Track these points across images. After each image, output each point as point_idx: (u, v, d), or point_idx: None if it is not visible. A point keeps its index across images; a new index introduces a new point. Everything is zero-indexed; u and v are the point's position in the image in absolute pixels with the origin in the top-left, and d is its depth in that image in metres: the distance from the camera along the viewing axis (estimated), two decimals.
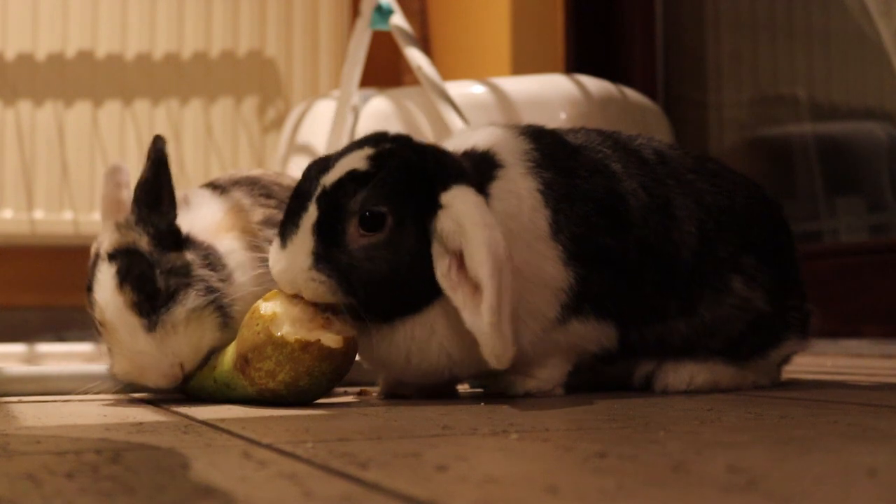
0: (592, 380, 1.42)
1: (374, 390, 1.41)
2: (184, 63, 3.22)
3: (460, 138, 1.36)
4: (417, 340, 1.24)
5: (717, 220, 1.41)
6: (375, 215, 1.21)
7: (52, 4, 3.13)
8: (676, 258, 1.37)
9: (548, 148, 1.35)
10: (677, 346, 1.39)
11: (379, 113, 2.32)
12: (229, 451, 0.83)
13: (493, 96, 2.21)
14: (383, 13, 2.28)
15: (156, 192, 1.35)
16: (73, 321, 3.16)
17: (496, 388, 1.33)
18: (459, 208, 1.21)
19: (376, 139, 1.28)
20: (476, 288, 1.18)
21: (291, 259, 1.22)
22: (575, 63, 3.24)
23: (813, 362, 2.06)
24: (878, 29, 2.33)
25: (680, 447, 0.82)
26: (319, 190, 1.23)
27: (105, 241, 1.34)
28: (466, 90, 2.22)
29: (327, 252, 1.21)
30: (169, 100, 3.20)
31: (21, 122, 3.10)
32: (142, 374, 1.30)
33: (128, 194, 1.40)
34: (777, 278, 1.44)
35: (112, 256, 1.31)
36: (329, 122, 2.40)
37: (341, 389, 1.44)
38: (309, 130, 2.55)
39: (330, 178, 1.23)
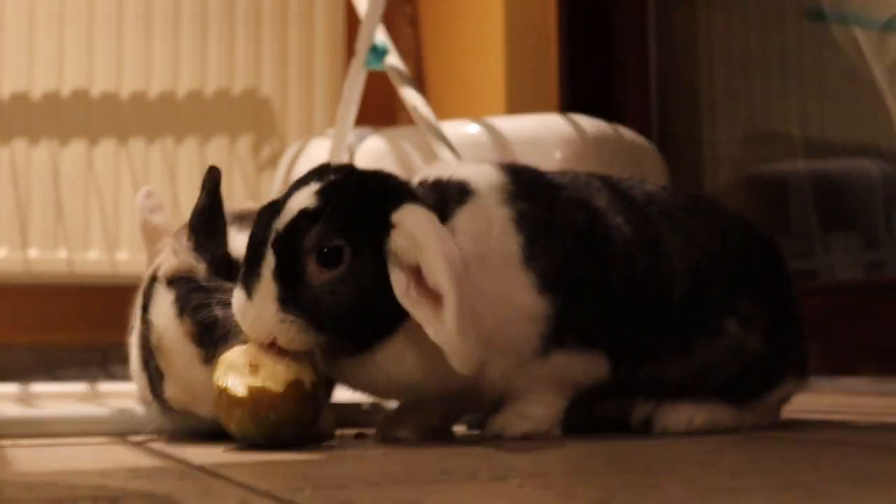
0: (589, 419, 1.41)
1: (372, 432, 1.40)
2: (179, 102, 3.22)
3: (433, 169, 1.37)
4: (395, 362, 1.23)
5: (711, 259, 1.40)
6: (332, 250, 1.20)
7: (48, 43, 3.13)
8: (667, 297, 1.36)
9: (526, 182, 1.35)
10: (674, 386, 1.39)
11: (374, 152, 2.32)
12: (226, 498, 0.82)
13: (488, 135, 2.21)
14: (378, 53, 2.28)
15: (212, 220, 1.38)
16: (67, 360, 3.15)
17: (492, 429, 1.32)
18: (410, 224, 1.20)
19: (319, 173, 1.27)
20: (437, 300, 1.17)
21: (259, 309, 1.21)
22: (570, 101, 3.24)
23: (811, 400, 2.05)
24: (870, 67, 2.35)
25: (681, 494, 0.81)
26: (273, 235, 1.22)
27: (164, 265, 1.35)
28: (461, 130, 2.22)
29: (291, 294, 1.20)
30: (164, 138, 3.19)
31: (16, 161, 3.09)
32: (195, 402, 1.31)
33: (163, 218, 1.43)
34: (773, 319, 1.43)
35: (171, 282, 1.33)
36: (324, 160, 2.40)
37: (338, 433, 1.43)
38: (304, 169, 2.54)
39: (282, 220, 1.22)
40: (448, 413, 1.36)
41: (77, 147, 3.12)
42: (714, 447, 1.19)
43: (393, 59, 2.28)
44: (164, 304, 1.32)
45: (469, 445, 1.24)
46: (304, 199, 1.23)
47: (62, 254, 3.06)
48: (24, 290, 3.14)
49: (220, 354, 1.28)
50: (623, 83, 3.40)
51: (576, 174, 1.41)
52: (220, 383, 1.22)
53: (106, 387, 2.48)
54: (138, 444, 1.31)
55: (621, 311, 1.33)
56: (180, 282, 1.33)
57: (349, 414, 1.51)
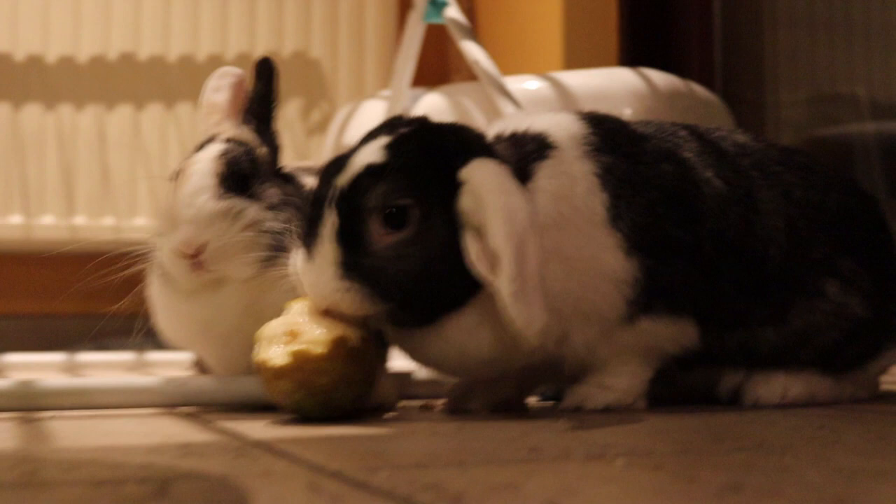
0: (671, 390, 1.30)
1: (438, 403, 1.29)
2: (227, 65, 3.12)
3: (509, 121, 1.24)
4: (466, 337, 1.12)
5: (809, 217, 1.27)
6: (398, 210, 1.10)
7: (95, 6, 3.05)
8: (762, 257, 1.24)
9: (609, 133, 1.23)
10: (766, 355, 1.26)
11: (433, 110, 2.21)
12: (292, 480, 0.71)
13: (554, 91, 2.09)
14: (437, 5, 2.16)
15: (268, 109, 1.38)
16: (114, 329, 3.07)
17: (571, 401, 1.21)
18: (476, 180, 1.09)
19: (391, 125, 1.17)
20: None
21: (318, 272, 1.11)
22: (629, 58, 3.11)
23: None
24: None
25: (822, 477, 0.70)
26: (335, 193, 1.12)
27: (225, 133, 1.34)
28: (525, 85, 2.10)
29: (353, 259, 1.10)
30: None
31: (62, 126, 3.02)
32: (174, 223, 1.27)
33: (225, 98, 1.39)
34: (877, 282, 1.30)
35: (228, 141, 1.32)
36: (377, 123, 2.29)
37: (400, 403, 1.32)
38: (356, 132, 2.44)
39: (344, 177, 1.12)
40: (522, 384, 1.24)
41: (124, 112, 3.05)
42: (823, 421, 1.07)
43: (453, 12, 2.15)
44: (213, 147, 1.31)
45: (548, 419, 1.13)
46: (370, 153, 1.13)
47: (109, 221, 3.00)
48: (70, 258, 3.05)
49: (237, 204, 1.25)
50: (686, 41, 3.25)
51: (660, 124, 1.29)
52: (259, 357, 1.12)
53: (154, 356, 2.40)
54: (188, 416, 1.22)
55: (712, 273, 1.21)
56: (236, 143, 1.32)
57: (412, 383, 1.40)
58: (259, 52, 3.12)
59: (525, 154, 1.17)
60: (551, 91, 2.09)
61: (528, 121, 1.22)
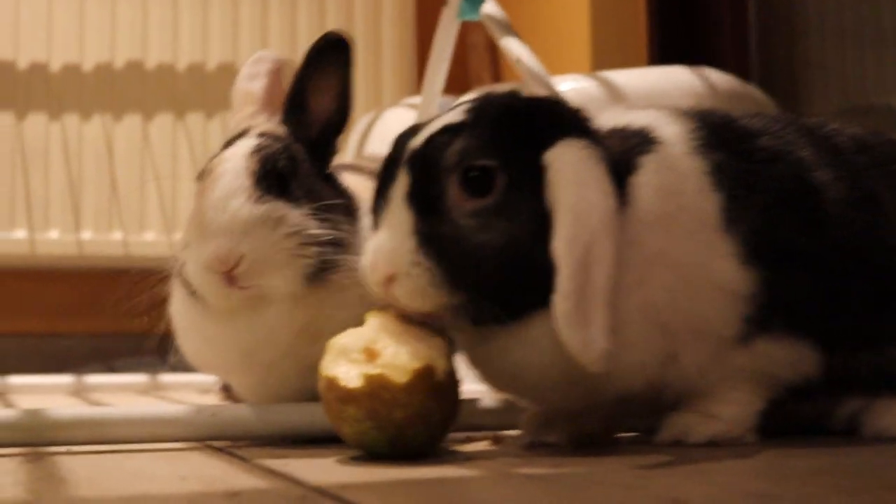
0: (775, 420, 1.13)
1: (509, 436, 1.13)
2: (238, 73, 2.97)
3: (604, 117, 1.08)
4: (556, 342, 0.93)
5: None
6: (481, 171, 0.94)
7: (100, 13, 2.91)
8: (890, 266, 1.08)
9: (718, 128, 1.07)
10: (893, 378, 1.10)
11: None
12: None
13: (605, 91, 1.93)
14: (474, 1, 2.01)
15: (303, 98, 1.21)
16: (124, 349, 2.92)
17: (670, 433, 1.04)
18: (555, 166, 0.94)
19: (477, 96, 1.02)
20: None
21: (386, 240, 0.96)
22: (659, 59, 2.96)
23: None
24: None
25: None
26: (409, 153, 0.97)
27: (258, 127, 1.19)
28: (573, 85, 1.94)
29: (427, 226, 0.95)
30: (223, 111, 2.96)
31: (67, 137, 2.87)
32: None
33: (260, 87, 1.23)
34: None
35: (261, 136, 1.17)
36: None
37: (461, 435, 1.15)
38: (379, 142, 2.29)
39: (419, 138, 0.98)
40: (610, 414, 1.07)
41: (132, 122, 2.90)
42: None
43: (491, 7, 1.99)
44: (244, 143, 1.15)
45: (660, 455, 0.96)
46: (450, 115, 0.98)
47: (117, 235, 2.86)
48: (77, 275, 2.92)
49: (275, 208, 1.10)
50: (719, 48, 3.10)
51: (767, 117, 1.13)
52: (328, 373, 0.96)
53: (167, 378, 2.24)
54: (223, 452, 1.05)
55: (836, 287, 1.04)
56: (272, 137, 1.16)
57: (476, 411, 1.23)
58: None
59: (627, 148, 1.01)
60: (603, 91, 1.93)
61: (628, 116, 1.06)
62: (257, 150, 1.12)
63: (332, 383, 0.95)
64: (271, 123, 1.18)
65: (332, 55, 1.19)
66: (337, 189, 1.18)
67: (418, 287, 0.94)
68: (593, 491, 0.74)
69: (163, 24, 2.95)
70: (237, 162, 1.11)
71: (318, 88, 1.19)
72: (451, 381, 0.98)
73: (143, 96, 2.92)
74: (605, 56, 2.94)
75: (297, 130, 1.18)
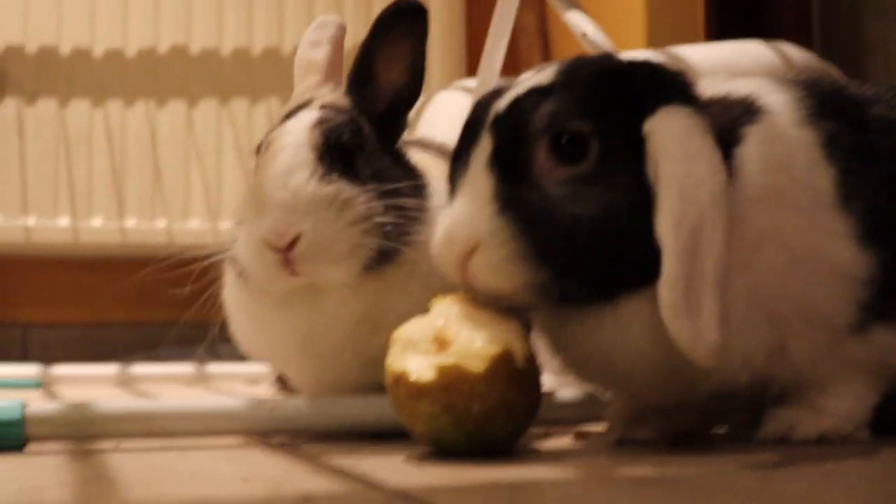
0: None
1: (594, 431, 1.04)
2: (284, 58, 2.90)
3: (704, 85, 0.99)
4: (651, 323, 0.85)
5: None
6: (573, 136, 0.85)
7: None
8: None
9: (827, 95, 0.97)
10: None
11: None
12: None
13: (677, 66, 1.82)
14: None
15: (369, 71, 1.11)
16: (169, 338, 2.86)
17: (775, 428, 0.94)
18: (657, 135, 0.85)
19: (569, 60, 0.93)
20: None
21: (465, 207, 0.87)
22: (716, 36, 2.86)
23: None
24: None
25: None
26: (493, 115, 0.89)
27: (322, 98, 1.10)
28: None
29: (512, 192, 0.86)
30: (269, 97, 2.89)
31: (110, 124, 2.81)
32: (262, 208, 1.02)
33: (324, 54, 1.14)
34: None
35: (330, 108, 1.08)
36: (455, 113, 2.04)
37: (539, 430, 1.07)
38: (432, 125, 2.20)
39: (504, 100, 0.89)
40: (708, 409, 0.98)
41: (176, 108, 2.84)
42: None
43: None
44: (306, 116, 1.05)
45: (755, 453, 0.87)
46: (539, 77, 0.90)
47: (161, 223, 2.80)
48: (120, 263, 2.86)
49: (341, 189, 1.00)
50: (780, 28, 2.99)
51: (874, 86, 1.03)
52: (396, 367, 0.87)
53: (213, 368, 2.17)
54: (285, 449, 0.97)
55: None
56: (336, 109, 1.06)
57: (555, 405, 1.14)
58: None
59: (730, 118, 0.91)
60: (674, 66, 1.83)
61: (727, 85, 0.97)
62: (320, 122, 1.04)
63: (402, 378, 0.87)
64: (335, 95, 1.10)
65: (404, 22, 1.09)
66: (406, 168, 1.09)
67: (501, 260, 0.85)
68: (721, 499, 0.65)
69: (207, 8, 2.88)
70: (299, 135, 1.03)
71: (388, 59, 1.09)
72: (533, 368, 0.89)
73: (187, 82, 2.86)
74: (660, 33, 2.84)
75: (362, 103, 1.08)
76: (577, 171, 0.86)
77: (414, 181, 1.07)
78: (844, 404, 0.94)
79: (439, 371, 0.85)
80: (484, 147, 0.88)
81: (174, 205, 2.81)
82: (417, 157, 1.14)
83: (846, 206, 0.90)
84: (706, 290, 0.82)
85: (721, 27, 2.88)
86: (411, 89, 1.10)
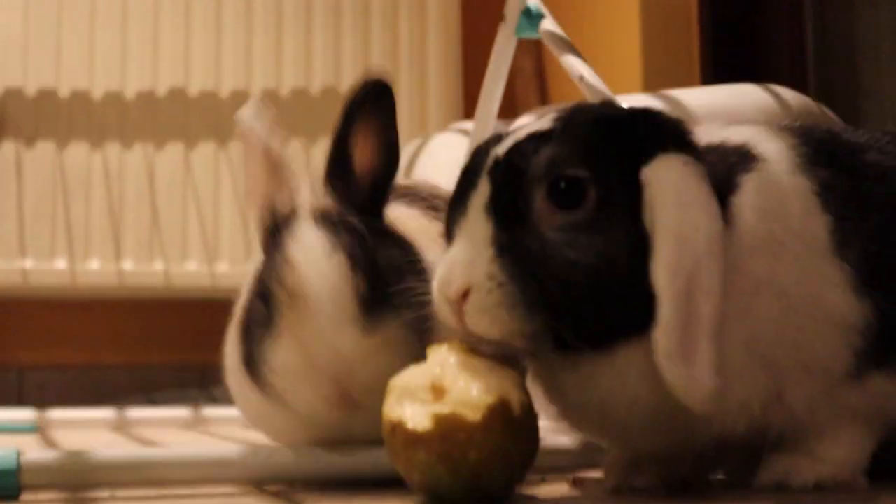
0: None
1: (590, 478, 1.03)
2: (283, 100, 2.92)
3: (701, 132, 1.00)
4: (646, 373, 0.85)
5: None
6: (571, 182, 0.86)
7: (142, 40, 2.87)
8: None
9: (821, 143, 0.98)
10: None
11: None
12: None
13: (674, 110, 1.84)
14: (532, 17, 1.93)
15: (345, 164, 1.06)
16: (165, 381, 2.86)
17: (771, 476, 0.93)
18: (655, 184, 0.86)
19: (568, 106, 0.93)
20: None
21: (462, 252, 0.87)
22: (712, 80, 2.88)
23: None
24: None
25: None
26: (491, 161, 0.89)
27: (307, 203, 1.06)
28: (638, 104, 1.85)
29: (510, 237, 0.86)
30: None
31: (109, 166, 2.83)
32: (314, 383, 0.98)
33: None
34: None
35: (322, 219, 1.03)
36: (452, 157, 2.05)
37: (535, 477, 1.06)
38: (428, 168, 2.21)
39: (504, 145, 0.89)
40: (705, 457, 0.98)
41: (174, 150, 2.85)
42: None
43: (550, 24, 1.91)
44: (312, 239, 1.00)
45: (754, 500, 0.87)
46: (538, 123, 0.90)
47: (158, 265, 2.81)
48: (118, 305, 2.88)
49: (387, 328, 0.98)
50: (776, 71, 3.01)
51: (869, 132, 1.03)
52: (392, 416, 0.87)
53: (210, 412, 2.16)
54: (284, 499, 0.97)
55: None
56: (334, 220, 1.01)
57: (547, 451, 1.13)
58: (317, 86, 2.93)
59: (728, 166, 0.92)
60: (671, 110, 1.84)
61: (723, 132, 0.98)
62: (342, 253, 0.99)
63: (398, 427, 0.87)
64: (317, 197, 1.05)
65: (372, 105, 1.05)
66: (398, 249, 1.05)
67: (494, 305, 0.85)
68: None
69: (206, 50, 2.91)
70: (330, 279, 0.99)
71: (362, 145, 1.05)
72: (530, 417, 0.89)
73: (186, 124, 2.88)
74: (656, 76, 2.86)
75: (347, 199, 1.05)
76: (574, 218, 0.86)
77: (411, 265, 1.04)
78: (842, 451, 0.94)
79: (435, 420, 0.85)
80: (482, 192, 0.88)
81: (171, 247, 2.82)
82: (404, 218, 1.12)
83: (841, 254, 0.90)
84: (702, 337, 0.83)
85: (716, 70, 2.90)
86: (388, 168, 1.07)
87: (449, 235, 0.92)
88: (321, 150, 2.86)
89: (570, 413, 0.94)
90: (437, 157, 2.19)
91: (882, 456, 0.98)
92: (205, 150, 2.88)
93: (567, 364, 0.89)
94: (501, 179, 0.87)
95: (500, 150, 0.89)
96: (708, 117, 1.82)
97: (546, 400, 0.95)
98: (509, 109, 3.05)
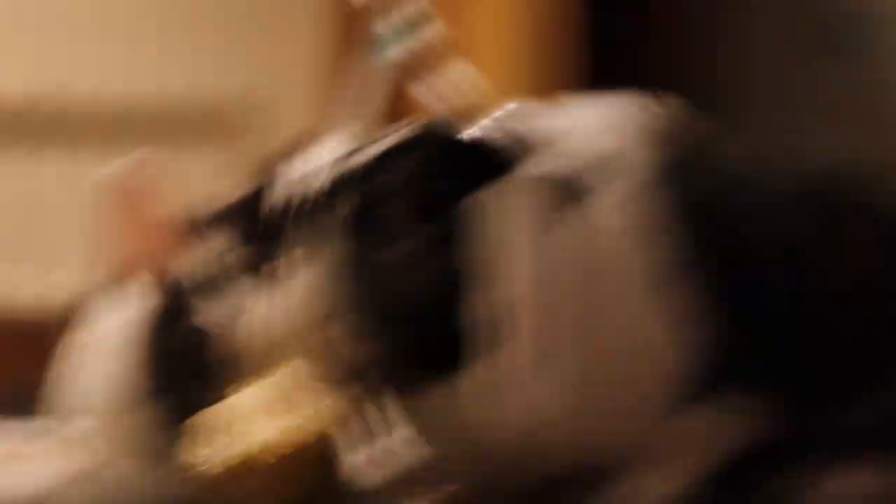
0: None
1: None
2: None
3: (546, 155, 0.99)
4: (488, 397, 0.85)
5: None
6: (394, 214, 0.86)
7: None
8: (840, 324, 0.98)
9: (680, 161, 0.96)
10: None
11: None
12: None
13: (521, 133, 1.85)
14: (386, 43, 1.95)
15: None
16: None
17: None
18: (480, 213, 0.85)
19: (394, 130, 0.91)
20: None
21: (304, 279, 0.86)
22: (590, 83, 2.94)
23: None
24: None
25: None
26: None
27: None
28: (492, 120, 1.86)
29: (342, 270, 0.86)
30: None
31: None
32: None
33: None
34: None
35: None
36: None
37: None
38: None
39: (316, 179, 0.88)
40: (535, 491, 0.96)
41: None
42: None
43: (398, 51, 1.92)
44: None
45: None
46: (357, 157, 0.86)
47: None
48: None
49: None
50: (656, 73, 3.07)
51: (747, 144, 1.04)
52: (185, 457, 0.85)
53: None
54: None
55: (789, 342, 0.94)
56: None
57: None
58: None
59: (565, 187, 0.91)
60: (527, 125, 1.85)
61: (574, 148, 0.97)
62: None
63: (190, 468, 0.84)
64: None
65: None
66: None
67: (336, 334, 0.84)
68: None
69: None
70: None
71: None
72: (323, 451, 0.86)
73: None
74: (528, 81, 2.90)
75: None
76: (397, 250, 0.85)
77: None
78: (669, 484, 0.93)
79: (225, 465, 0.83)
80: (304, 233, 0.86)
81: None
82: None
83: (670, 282, 0.90)
84: (528, 369, 0.83)
85: (594, 77, 2.94)
86: None
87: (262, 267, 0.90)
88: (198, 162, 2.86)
89: (414, 444, 0.93)
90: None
91: (715, 486, 0.98)
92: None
93: (411, 401, 0.88)
94: (318, 215, 0.86)
95: (315, 181, 0.87)
96: (563, 135, 1.83)
97: (393, 429, 0.94)
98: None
